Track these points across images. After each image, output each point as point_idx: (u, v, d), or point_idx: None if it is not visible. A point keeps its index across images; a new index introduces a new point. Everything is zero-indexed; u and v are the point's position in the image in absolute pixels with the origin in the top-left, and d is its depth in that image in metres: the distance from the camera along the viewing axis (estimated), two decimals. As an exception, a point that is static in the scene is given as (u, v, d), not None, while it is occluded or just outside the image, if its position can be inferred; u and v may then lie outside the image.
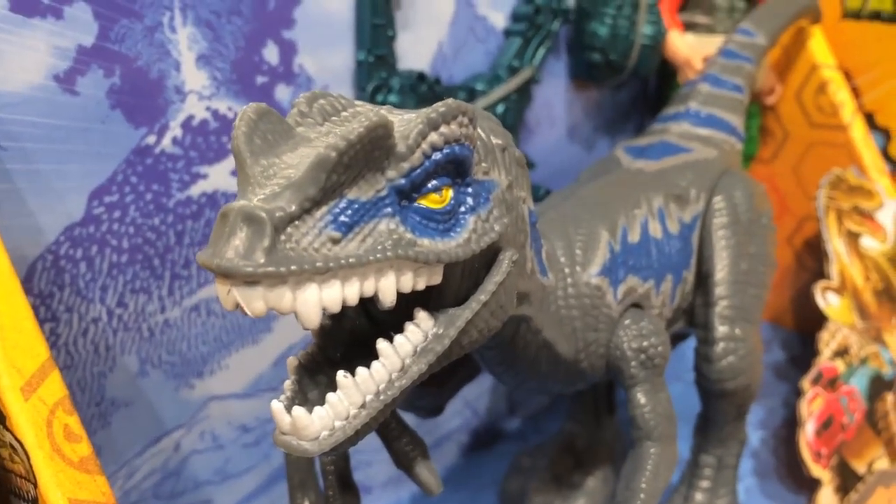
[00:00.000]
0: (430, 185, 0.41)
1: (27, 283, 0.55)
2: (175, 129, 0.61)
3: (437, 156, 0.41)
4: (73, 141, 0.56)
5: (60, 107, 0.55)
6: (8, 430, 0.44)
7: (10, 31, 0.52)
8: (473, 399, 0.89)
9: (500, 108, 0.78)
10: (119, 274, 0.60)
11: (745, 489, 0.83)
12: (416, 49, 0.73)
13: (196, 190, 0.63)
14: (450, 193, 0.42)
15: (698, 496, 0.73)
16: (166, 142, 0.61)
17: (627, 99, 0.97)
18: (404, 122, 0.41)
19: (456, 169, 0.42)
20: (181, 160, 0.62)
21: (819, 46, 0.99)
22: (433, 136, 0.40)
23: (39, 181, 0.55)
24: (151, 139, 0.60)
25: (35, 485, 0.44)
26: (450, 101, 0.41)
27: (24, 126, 0.54)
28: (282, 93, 0.66)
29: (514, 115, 0.80)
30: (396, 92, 0.70)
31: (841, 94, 0.98)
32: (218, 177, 0.64)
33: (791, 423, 0.90)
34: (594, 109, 0.93)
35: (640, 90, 0.98)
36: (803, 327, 1.06)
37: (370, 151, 0.38)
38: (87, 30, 0.55)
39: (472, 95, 0.76)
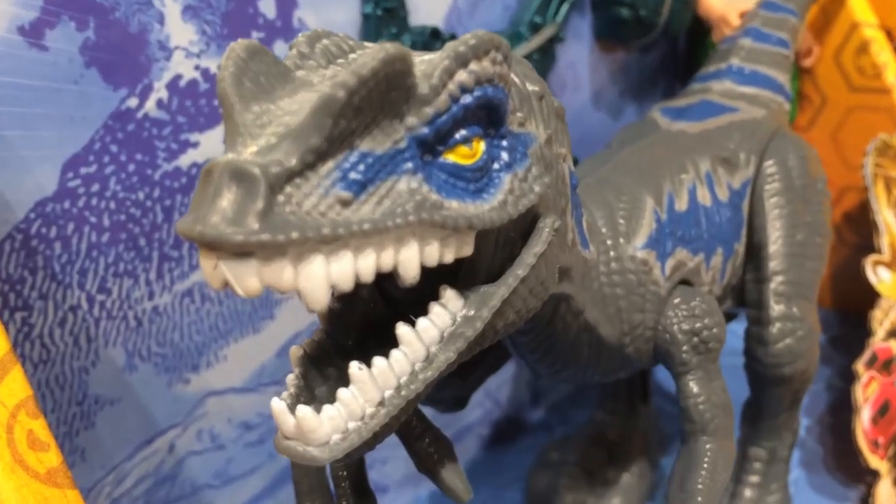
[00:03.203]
0: (457, 136, 0.35)
1: (-7, 266, 0.49)
2: (160, 91, 0.55)
3: (466, 99, 0.34)
4: (42, 104, 0.50)
5: (27, 64, 0.49)
6: (-39, 437, 0.38)
7: (-37, -26, 0.46)
8: (494, 389, 0.85)
9: (521, 69, 0.72)
10: (100, 255, 0.54)
11: (793, 481, 0.77)
12: (428, 2, 0.68)
13: (185, 160, 0.57)
14: (481, 146, 0.36)
15: (747, 492, 0.68)
16: (150, 105, 0.54)
17: (655, 61, 0.92)
18: (425, 60, 0.34)
19: (488, 116, 0.36)
20: (168, 126, 0.55)
21: (859, 3, 0.94)
22: (462, 75, 0.34)
23: (4, 149, 0.49)
24: (133, 102, 0.54)
25: (-5, 501, 0.38)
26: (480, 31, 0.34)
27: (-15, 86, 0.47)
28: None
29: (536, 77, 0.74)
30: (408, 50, 0.64)
31: (884, 54, 0.93)
32: (210, 144, 0.58)
33: (837, 409, 0.86)
34: (620, 72, 0.88)
35: (668, 52, 0.94)
36: (844, 306, 1.01)
37: (386, 91, 0.31)
38: (55, -26, 0.49)
39: (490, 54, 0.70)
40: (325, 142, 0.30)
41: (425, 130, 0.33)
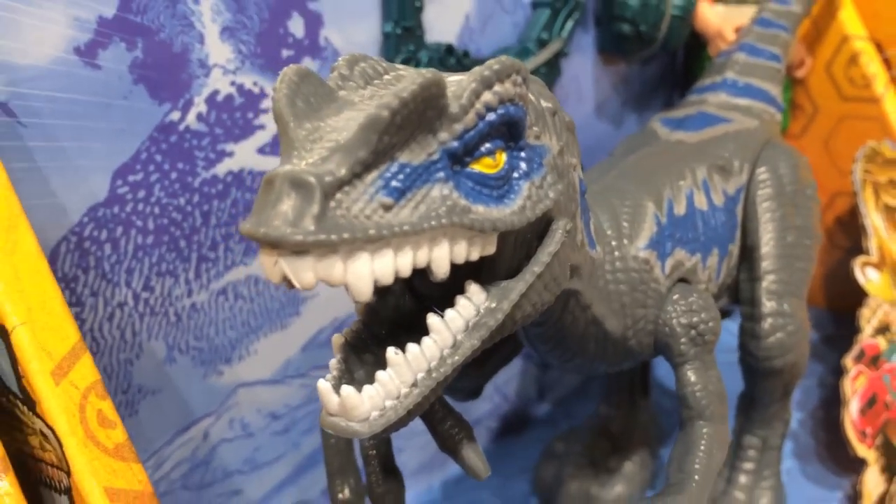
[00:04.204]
0: (483, 149, 0.39)
1: (51, 265, 0.53)
2: (200, 105, 0.58)
3: (491, 116, 0.38)
4: (95, 117, 0.54)
5: (82, 81, 0.53)
6: (38, 416, 0.42)
7: (28, 1, 0.50)
8: (503, 384, 0.88)
9: (529, 82, 0.76)
10: (145, 256, 0.58)
11: (786, 471, 0.80)
12: (442, 21, 0.71)
13: (222, 168, 0.61)
14: (503, 157, 0.40)
15: (742, 478, 0.71)
16: (191, 118, 0.58)
17: (655, 73, 0.95)
18: (454, 82, 0.39)
19: (509, 131, 0.40)
20: (206, 137, 0.59)
21: (849, 17, 0.96)
22: (487, 96, 0.38)
23: (61, 159, 0.53)
24: (175, 115, 0.57)
25: (68, 473, 0.42)
26: (503, 57, 0.39)
27: (45, 101, 0.52)
28: (308, 67, 0.63)
29: (543, 90, 0.77)
30: (424, 65, 0.68)
31: (873, 65, 0.96)
32: (244, 154, 0.61)
33: (829, 404, 0.89)
34: (622, 84, 0.91)
35: (667, 64, 0.96)
36: (836, 306, 1.04)
37: (423, 111, 0.36)
38: (107, 0, 0.53)
39: (500, 69, 0.74)
40: (371, 155, 0.35)
41: (455, 144, 0.37)
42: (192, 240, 0.60)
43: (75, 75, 0.53)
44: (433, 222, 0.36)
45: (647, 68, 0.93)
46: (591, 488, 0.76)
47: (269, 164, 0.63)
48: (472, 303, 0.41)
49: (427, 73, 0.36)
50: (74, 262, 0.55)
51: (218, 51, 0.58)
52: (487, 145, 0.39)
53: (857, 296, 0.82)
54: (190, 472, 0.64)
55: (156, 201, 0.58)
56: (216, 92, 0.59)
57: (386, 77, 0.41)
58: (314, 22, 0.63)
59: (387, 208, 0.35)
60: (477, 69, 0.38)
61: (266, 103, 0.62)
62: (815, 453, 0.83)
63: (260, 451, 0.69)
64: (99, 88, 0.54)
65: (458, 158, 0.38)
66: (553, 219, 0.43)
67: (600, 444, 0.79)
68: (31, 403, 0.42)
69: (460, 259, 0.39)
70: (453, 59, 0.70)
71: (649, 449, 0.80)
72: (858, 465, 0.75)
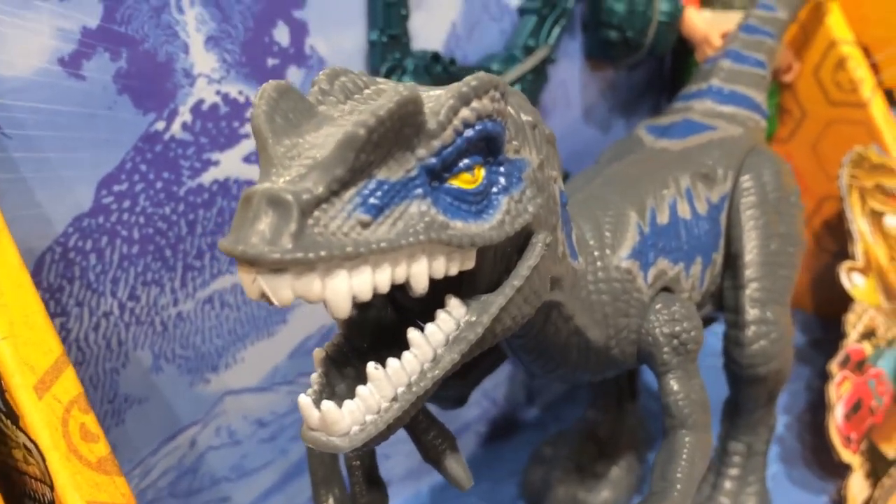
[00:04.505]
0: (461, 164, 0.39)
1: (35, 276, 0.53)
2: (184, 115, 0.59)
3: (469, 132, 0.39)
4: (79, 128, 0.54)
5: (66, 92, 0.53)
6: (21, 430, 0.42)
7: (11, 13, 0.50)
8: (491, 388, 0.88)
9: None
10: (130, 266, 0.58)
11: (772, 476, 0.81)
12: (428, 28, 0.71)
13: (207, 177, 0.61)
14: (482, 173, 0.40)
15: (727, 484, 0.71)
16: (176, 128, 0.58)
17: (643, 79, 0.95)
18: (433, 97, 0.39)
19: (487, 146, 0.40)
20: (191, 146, 0.59)
21: (837, 22, 0.96)
22: (465, 112, 0.38)
23: (46, 170, 0.53)
24: (160, 125, 0.58)
25: (51, 487, 0.42)
26: (481, 74, 0.39)
27: (29, 112, 0.52)
28: (293, 75, 0.64)
29: (530, 97, 0.77)
30: (410, 73, 0.68)
31: (860, 70, 0.96)
32: (230, 163, 0.62)
33: (815, 408, 0.89)
34: (609, 90, 0.91)
35: (655, 69, 0.96)
36: (823, 311, 1.04)
37: (400, 129, 0.36)
38: (91, 11, 0.53)
39: (487, 76, 0.74)
40: (348, 172, 0.35)
41: (433, 160, 0.38)
42: (178, 249, 0.60)
43: (59, 86, 0.53)
44: (411, 239, 0.37)
45: (635, 74, 0.93)
46: (579, 493, 0.76)
47: (255, 172, 0.63)
48: (452, 317, 0.41)
49: (404, 90, 0.36)
50: (59, 273, 0.55)
51: (203, 60, 0.59)
52: (466, 161, 0.39)
53: (844, 300, 0.82)
54: (177, 479, 0.65)
55: (141, 211, 0.58)
56: (201, 101, 0.59)
57: (367, 91, 0.41)
58: (299, 30, 0.63)
59: (364, 225, 0.36)
60: (455, 85, 0.39)
61: (251, 112, 0.62)
62: (800, 457, 0.84)
63: (247, 458, 0.69)
64: (83, 99, 0.54)
65: (437, 174, 0.38)
66: (533, 232, 0.44)
67: (588, 449, 0.80)
68: (14, 417, 0.42)
69: (439, 274, 0.39)
70: (440, 66, 0.70)
71: (636, 453, 0.80)
72: (844, 469, 0.75)
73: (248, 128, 0.62)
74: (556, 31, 0.79)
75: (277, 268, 0.34)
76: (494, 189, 0.41)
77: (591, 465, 0.78)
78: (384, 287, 0.37)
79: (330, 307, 0.36)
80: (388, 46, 0.67)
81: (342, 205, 0.35)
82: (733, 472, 0.72)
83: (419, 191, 0.38)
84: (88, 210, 0.56)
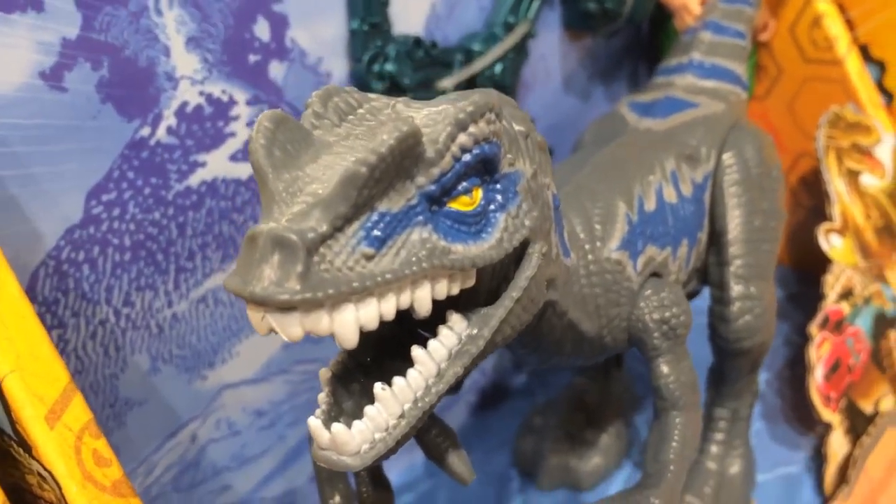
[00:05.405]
0: (460, 188, 0.40)
1: (30, 291, 0.53)
2: (169, 118, 0.58)
3: (467, 157, 0.39)
4: (65, 140, 0.53)
5: (49, 105, 0.52)
6: (35, 459, 0.43)
7: (-11, 29, 0.49)
8: (480, 359, 0.89)
9: (497, 68, 0.76)
10: (123, 273, 0.58)
11: (754, 433, 0.83)
12: (409, 11, 0.71)
13: (195, 179, 0.61)
14: (480, 193, 0.41)
15: (713, 449, 0.74)
16: (161, 132, 0.58)
17: (621, 47, 0.95)
18: (429, 120, 0.39)
19: (485, 167, 0.41)
20: (178, 150, 0.59)
21: (813, -22, 0.96)
22: (462, 138, 0.39)
23: (33, 185, 0.53)
24: (146, 131, 0.57)
25: (68, 512, 0.43)
26: (476, 97, 0.39)
27: (13, 129, 0.51)
28: (275, 70, 0.63)
29: (511, 74, 0.77)
30: (393, 60, 0.67)
31: (835, 27, 0.96)
32: (217, 163, 0.61)
33: (794, 364, 0.91)
34: (588, 59, 0.90)
35: (633, 37, 0.96)
36: (801, 265, 1.06)
37: (400, 162, 0.36)
38: (70, 21, 0.52)
39: (469, 56, 0.74)
40: (351, 209, 0.35)
41: (433, 188, 0.38)
42: (170, 252, 0.60)
43: (42, 100, 0.52)
44: (414, 268, 0.37)
45: (613, 42, 0.93)
46: (570, 461, 0.79)
47: (242, 170, 0.63)
48: (454, 331, 0.42)
49: (403, 125, 0.36)
50: (54, 286, 0.55)
51: (184, 62, 0.58)
52: (464, 184, 0.40)
53: (821, 254, 0.84)
54: (180, 474, 0.66)
55: (131, 218, 0.58)
56: (185, 103, 0.59)
57: (360, 111, 0.41)
58: (279, 24, 0.62)
59: (369, 258, 0.36)
60: (451, 111, 0.39)
61: (236, 110, 0.61)
62: (781, 413, 0.86)
63: (247, 447, 0.71)
64: (67, 111, 0.53)
65: (436, 199, 0.39)
66: (529, 242, 0.44)
67: (576, 418, 0.82)
68: (26, 447, 0.43)
69: (442, 296, 0.40)
70: (422, 51, 0.69)
71: (624, 419, 0.82)
72: (823, 427, 0.78)
73: (233, 126, 0.61)
74: (536, 4, 0.78)
75: (286, 307, 0.34)
76: (492, 207, 0.42)
77: (581, 433, 0.80)
78: (390, 315, 0.38)
79: (338, 339, 0.36)
80: (370, 34, 0.66)
81: (346, 240, 0.36)
82: (719, 436, 0.74)
83: (420, 218, 0.38)
84: (79, 221, 0.55)
